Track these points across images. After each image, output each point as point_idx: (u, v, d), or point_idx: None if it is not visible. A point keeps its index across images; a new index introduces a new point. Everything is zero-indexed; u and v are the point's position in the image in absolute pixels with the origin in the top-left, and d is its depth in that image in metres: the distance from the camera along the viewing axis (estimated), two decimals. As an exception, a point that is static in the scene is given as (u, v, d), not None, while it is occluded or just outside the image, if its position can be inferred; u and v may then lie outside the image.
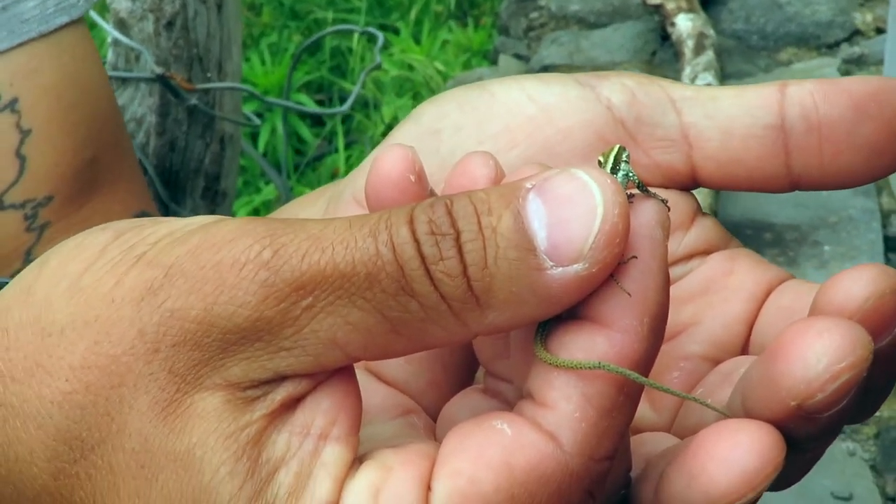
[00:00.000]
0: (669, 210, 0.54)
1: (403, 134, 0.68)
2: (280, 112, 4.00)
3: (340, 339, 0.49)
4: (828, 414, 0.52)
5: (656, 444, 0.62)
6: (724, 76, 3.70)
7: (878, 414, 2.72)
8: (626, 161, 0.57)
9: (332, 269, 0.49)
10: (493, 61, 4.41)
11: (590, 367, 0.50)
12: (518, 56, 4.37)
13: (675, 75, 3.75)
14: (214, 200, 2.40)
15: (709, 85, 3.40)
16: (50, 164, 0.97)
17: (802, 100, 0.65)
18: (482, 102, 0.67)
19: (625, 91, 0.67)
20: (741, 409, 0.55)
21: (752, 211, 3.14)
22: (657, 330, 0.51)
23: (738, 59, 3.92)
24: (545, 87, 0.68)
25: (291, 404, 0.50)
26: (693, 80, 3.48)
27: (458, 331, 0.49)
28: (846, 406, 0.52)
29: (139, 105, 2.23)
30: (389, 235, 0.48)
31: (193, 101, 2.21)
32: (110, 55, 2.26)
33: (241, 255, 0.49)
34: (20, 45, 0.95)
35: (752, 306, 0.65)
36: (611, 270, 0.49)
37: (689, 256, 0.68)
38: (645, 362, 0.51)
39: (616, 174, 0.57)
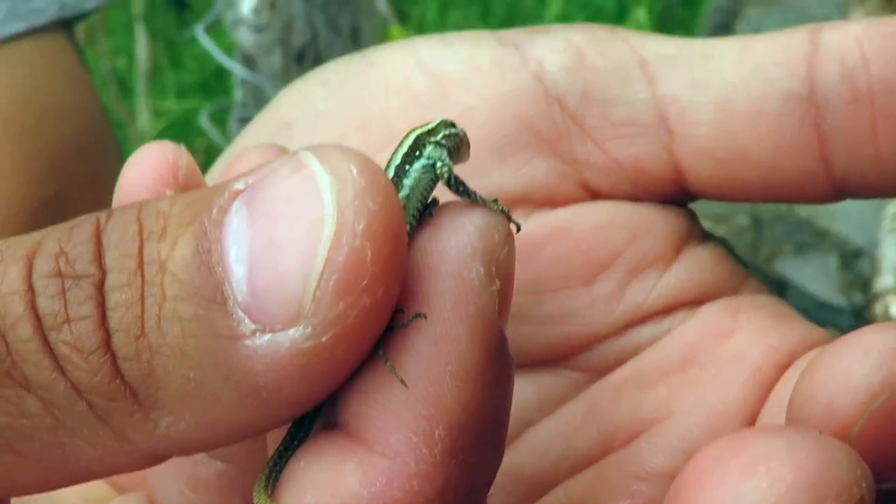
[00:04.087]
0: (518, 229, 0.35)
1: (255, 129, 0.49)
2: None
3: None
4: None
5: None
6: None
7: None
8: (438, 144, 0.37)
9: None
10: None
11: None
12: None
13: None
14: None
15: None
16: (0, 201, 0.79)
17: (844, 52, 0.42)
18: (355, 79, 0.47)
19: (569, 52, 0.46)
20: None
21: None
22: (469, 451, 0.30)
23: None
24: (447, 50, 0.46)
25: None
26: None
27: (116, 449, 0.30)
28: None
29: (270, 146, 2.10)
30: None
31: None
32: (239, 95, 2.13)
33: None
34: None
35: (756, 390, 0.44)
36: (364, 339, 0.30)
37: (668, 309, 0.46)
38: None
39: (413, 164, 0.36)
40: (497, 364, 0.32)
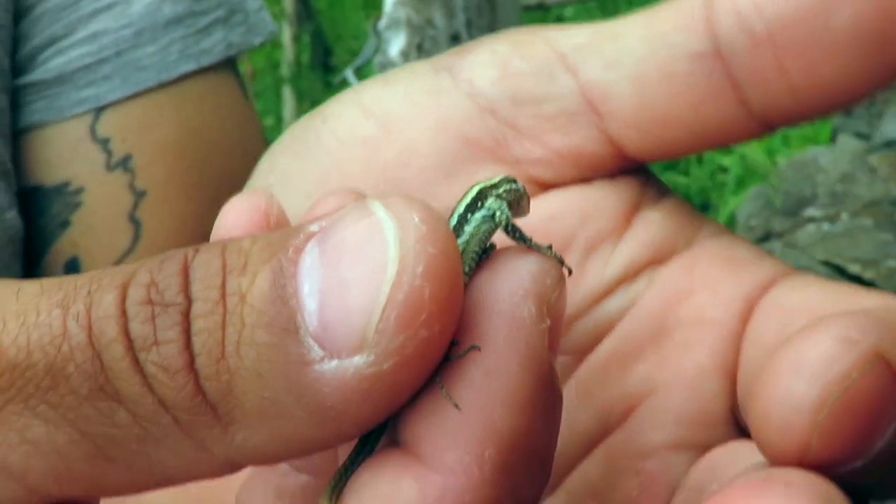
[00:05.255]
0: (570, 273, 0.37)
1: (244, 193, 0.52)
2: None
3: (16, 465, 0.33)
4: None
5: None
6: None
7: None
8: (499, 196, 0.40)
9: None
10: (832, 140, 4.15)
11: None
12: (859, 135, 4.05)
13: None
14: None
15: None
16: (169, 230, 0.85)
17: (737, 4, 0.44)
18: (312, 137, 0.50)
19: (494, 63, 0.48)
20: None
21: None
22: (516, 470, 0.34)
23: None
24: (386, 90, 0.49)
25: None
26: None
27: (197, 458, 0.33)
28: None
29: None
30: (87, 305, 0.33)
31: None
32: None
33: None
34: (135, 95, 0.85)
35: (725, 346, 0.45)
36: (422, 368, 0.33)
37: (628, 277, 0.47)
38: None
39: (472, 214, 0.39)
40: (545, 394, 0.35)
